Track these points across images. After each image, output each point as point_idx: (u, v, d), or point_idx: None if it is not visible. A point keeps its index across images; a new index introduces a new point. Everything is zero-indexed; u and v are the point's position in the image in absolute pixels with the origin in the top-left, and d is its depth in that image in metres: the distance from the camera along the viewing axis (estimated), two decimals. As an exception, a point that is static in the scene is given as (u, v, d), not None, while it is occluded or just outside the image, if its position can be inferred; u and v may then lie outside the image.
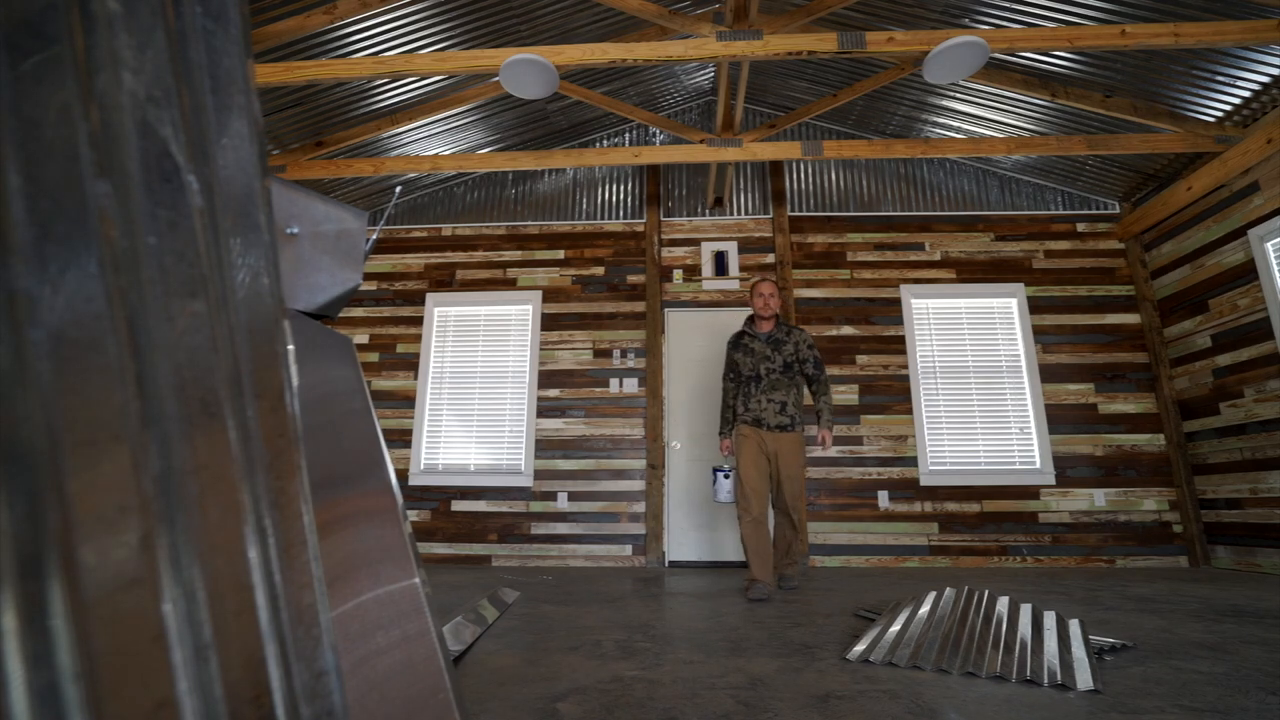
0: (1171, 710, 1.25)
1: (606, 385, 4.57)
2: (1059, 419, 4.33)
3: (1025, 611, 1.74)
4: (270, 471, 0.32)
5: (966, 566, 4.08)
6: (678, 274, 4.78)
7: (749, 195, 4.94)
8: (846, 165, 4.96)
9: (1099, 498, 4.19)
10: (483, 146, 4.90)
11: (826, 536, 4.22)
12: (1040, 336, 4.49)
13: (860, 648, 1.71)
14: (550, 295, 4.79)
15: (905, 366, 4.48)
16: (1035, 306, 4.55)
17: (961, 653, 1.59)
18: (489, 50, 3.08)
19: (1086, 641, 1.61)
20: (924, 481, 4.26)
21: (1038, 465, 4.28)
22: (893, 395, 4.44)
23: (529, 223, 4.97)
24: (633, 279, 4.78)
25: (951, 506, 4.22)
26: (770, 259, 4.76)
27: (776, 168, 4.91)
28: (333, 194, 4.86)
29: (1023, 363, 4.46)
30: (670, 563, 4.27)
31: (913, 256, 4.70)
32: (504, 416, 4.60)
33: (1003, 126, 4.41)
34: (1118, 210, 4.70)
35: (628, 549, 4.29)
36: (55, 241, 0.24)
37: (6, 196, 0.22)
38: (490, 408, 4.62)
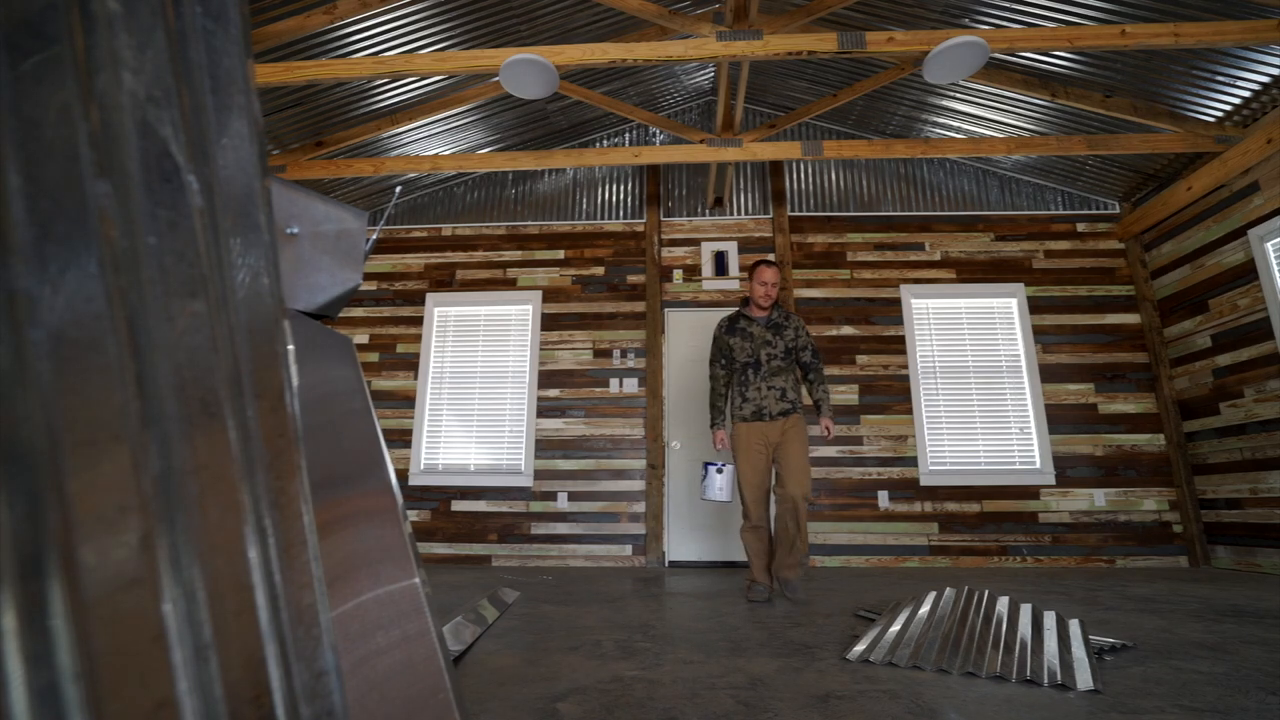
0: (1171, 710, 1.25)
1: (606, 385, 4.57)
2: (1059, 419, 4.33)
3: (1025, 611, 1.74)
4: (270, 471, 0.32)
5: (966, 566, 4.08)
6: (678, 274, 4.77)
7: (749, 195, 4.94)
8: (846, 165, 4.96)
9: (1099, 498, 4.19)
10: (483, 146, 4.90)
11: (826, 536, 4.22)
12: (1040, 336, 4.49)
13: (860, 648, 1.71)
14: (550, 295, 4.79)
15: (905, 366, 4.48)
16: (1035, 306, 4.55)
17: (961, 653, 1.59)
18: (489, 50, 3.08)
19: (1086, 641, 1.61)
20: (924, 481, 4.26)
21: (1038, 465, 4.28)
22: (893, 395, 4.44)
23: (529, 223, 4.97)
24: (633, 279, 4.78)
25: (951, 506, 4.22)
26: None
27: (776, 168, 4.91)
28: (333, 194, 4.86)
29: (1023, 363, 4.46)
30: (670, 563, 4.26)
31: (913, 256, 4.70)
32: (504, 416, 4.60)
33: (1003, 126, 4.41)
34: (1118, 210, 4.70)
35: (628, 549, 4.29)
36: (55, 241, 0.24)
37: (6, 196, 0.22)
38: (490, 408, 4.62)
